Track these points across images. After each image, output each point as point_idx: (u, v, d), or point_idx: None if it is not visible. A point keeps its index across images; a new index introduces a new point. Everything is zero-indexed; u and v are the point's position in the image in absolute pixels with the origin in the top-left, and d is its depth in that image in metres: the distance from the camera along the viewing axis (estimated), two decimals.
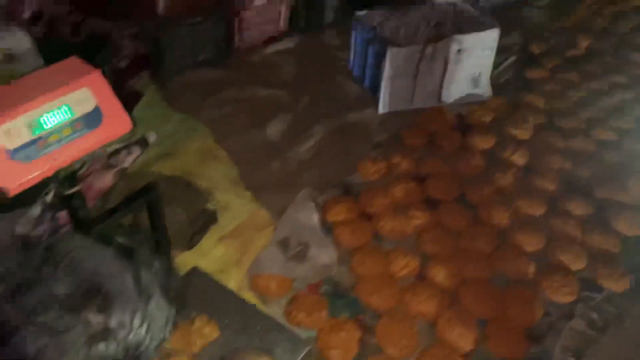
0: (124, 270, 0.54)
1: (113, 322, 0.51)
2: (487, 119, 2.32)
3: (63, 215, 1.55)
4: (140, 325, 0.54)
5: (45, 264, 0.51)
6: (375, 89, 2.35)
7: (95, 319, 0.50)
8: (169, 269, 0.62)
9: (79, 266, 0.52)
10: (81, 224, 1.12)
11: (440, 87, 2.36)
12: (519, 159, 2.11)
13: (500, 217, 1.85)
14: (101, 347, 0.50)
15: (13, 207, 1.36)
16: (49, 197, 1.22)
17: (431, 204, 1.92)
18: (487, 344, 1.48)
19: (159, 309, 0.57)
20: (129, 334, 0.53)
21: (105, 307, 0.51)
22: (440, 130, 2.25)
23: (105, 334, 0.51)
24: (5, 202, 1.43)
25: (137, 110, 2.24)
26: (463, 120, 2.34)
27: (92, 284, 0.51)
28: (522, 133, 2.23)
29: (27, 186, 0.91)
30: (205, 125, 2.23)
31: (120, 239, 0.59)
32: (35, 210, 1.40)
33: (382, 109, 2.32)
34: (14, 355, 0.48)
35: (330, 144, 2.18)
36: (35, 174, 0.91)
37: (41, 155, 0.93)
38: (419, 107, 2.36)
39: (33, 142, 0.92)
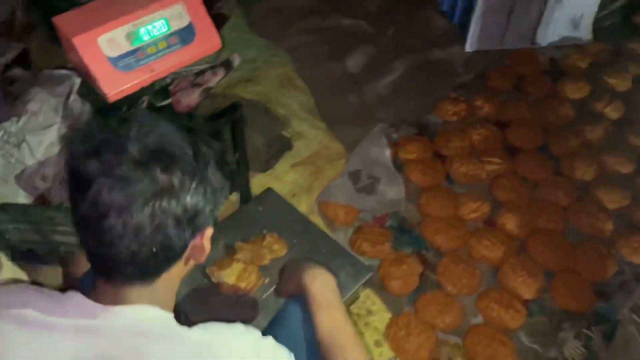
0: (186, 141, 0.61)
1: (175, 181, 0.58)
2: (583, 65, 2.15)
3: None
4: (197, 188, 0.60)
5: (120, 127, 0.59)
6: (464, 25, 2.23)
7: (160, 176, 0.57)
8: (224, 153, 0.69)
9: (148, 132, 0.59)
10: None
11: (536, 27, 2.20)
12: (613, 112, 1.97)
13: (584, 171, 1.76)
14: (164, 202, 0.57)
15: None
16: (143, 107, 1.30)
17: (510, 151, 1.86)
18: (551, 294, 1.46)
19: (215, 177, 0.63)
20: (188, 193, 0.59)
21: (169, 167, 0.58)
22: (529, 74, 2.13)
23: (168, 191, 0.57)
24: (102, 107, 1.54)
25: (222, 33, 2.28)
26: (556, 65, 2.18)
27: (159, 147, 0.58)
28: (620, 84, 2.06)
29: (126, 93, 0.98)
30: (286, 53, 2.25)
31: (184, 121, 0.66)
32: None
33: (469, 47, 2.22)
34: (92, 201, 0.57)
35: (410, 80, 2.13)
36: (135, 82, 0.98)
37: (140, 66, 0.99)
38: (510, 47, 2.23)
39: (132, 52, 0.98)
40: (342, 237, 1.60)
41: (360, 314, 1.43)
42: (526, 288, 1.46)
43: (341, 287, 1.30)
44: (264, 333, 0.74)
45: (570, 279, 1.49)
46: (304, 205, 1.69)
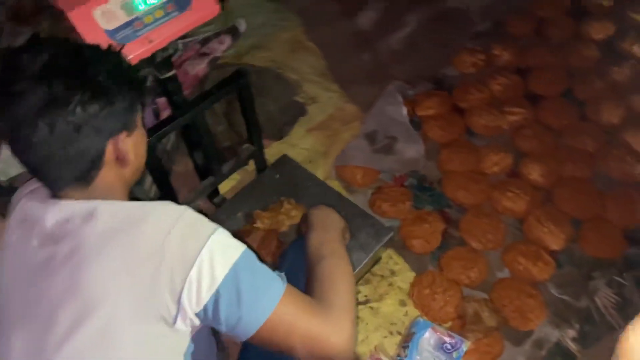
0: (75, 56, 0.66)
1: (60, 92, 0.63)
2: (607, 3, 2.03)
3: (162, 101, 1.65)
4: (88, 97, 0.64)
5: (21, 49, 0.65)
6: None
7: (49, 89, 0.62)
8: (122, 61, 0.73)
9: (42, 50, 0.65)
10: (178, 108, 1.18)
11: None
12: None
13: (611, 115, 1.68)
14: (58, 111, 0.62)
15: None
16: (148, 81, 1.28)
17: (532, 99, 1.78)
18: (579, 243, 1.42)
19: (108, 85, 0.67)
20: (77, 103, 0.63)
21: (56, 80, 0.63)
22: (550, 17, 2.03)
23: (58, 101, 0.63)
24: None
25: (228, 0, 2.24)
26: (579, 4, 2.07)
27: (50, 62, 0.64)
28: None
29: None
30: (296, 15, 2.19)
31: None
32: None
33: None
34: (7, 117, 0.63)
35: (424, 34, 2.05)
36: (135, 54, 0.96)
37: (138, 36, 0.96)
38: None
39: (129, 23, 0.96)
40: (361, 200, 1.58)
41: (384, 274, 1.42)
42: (553, 238, 1.42)
43: (362, 248, 1.30)
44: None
45: (599, 226, 1.44)
46: (321, 171, 1.67)
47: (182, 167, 1.67)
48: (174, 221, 0.65)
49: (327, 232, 0.91)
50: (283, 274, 0.73)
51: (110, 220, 0.66)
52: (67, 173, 0.67)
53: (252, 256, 0.70)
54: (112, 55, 0.71)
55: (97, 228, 0.65)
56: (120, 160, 0.71)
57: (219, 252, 0.65)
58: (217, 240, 0.66)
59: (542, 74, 1.84)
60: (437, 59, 1.97)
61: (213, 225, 0.68)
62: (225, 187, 1.62)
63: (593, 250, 1.40)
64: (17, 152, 0.67)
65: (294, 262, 0.97)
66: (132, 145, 0.72)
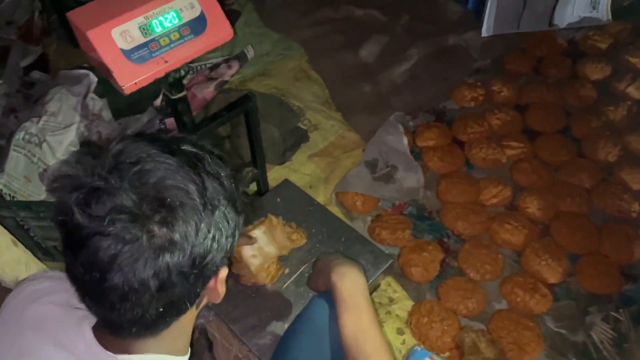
0: (189, 181, 0.53)
1: (177, 235, 0.51)
2: (604, 45, 2.10)
3: (170, 121, 1.67)
4: (206, 237, 0.54)
5: (113, 173, 0.51)
6: (479, 9, 2.20)
7: (159, 231, 0.51)
8: (236, 178, 0.61)
9: (144, 177, 0.52)
10: (185, 128, 1.20)
11: (553, 9, 2.15)
12: (635, 91, 1.91)
13: (607, 153, 1.72)
14: (167, 257, 0.51)
15: (128, 111, 1.47)
16: (158, 101, 1.31)
17: (530, 135, 1.82)
18: (576, 277, 1.43)
19: (225, 219, 0.56)
20: (194, 245, 0.53)
21: (169, 220, 0.51)
22: (548, 57, 2.09)
23: (170, 245, 0.51)
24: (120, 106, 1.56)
25: (235, 29, 2.29)
26: (576, 46, 2.14)
27: (156, 196, 0.51)
28: None
29: (141, 85, 0.98)
30: (300, 46, 2.24)
31: (187, 147, 0.58)
32: (145, 116, 1.52)
33: (485, 32, 2.18)
34: (87, 262, 0.51)
35: (425, 68, 2.10)
36: (149, 74, 0.98)
37: (154, 57, 0.99)
38: (527, 31, 2.19)
39: (146, 44, 0.98)
40: (360, 226, 1.60)
41: (382, 302, 1.42)
42: (551, 272, 1.44)
43: None
44: (290, 329, 0.71)
45: (596, 261, 1.45)
46: (322, 197, 1.69)
47: None
48: None
49: (363, 313, 0.85)
50: None
51: None
52: (142, 329, 0.58)
53: None
54: (225, 171, 0.59)
55: None
56: (210, 298, 0.63)
57: None
58: None
59: (540, 110, 1.89)
60: (437, 92, 2.02)
61: None
62: None
63: (590, 285, 1.41)
64: (87, 301, 0.57)
65: (316, 330, 0.91)
66: (222, 281, 0.63)
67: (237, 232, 0.60)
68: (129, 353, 0.60)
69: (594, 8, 2.18)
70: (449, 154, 1.78)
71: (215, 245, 0.55)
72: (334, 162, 1.80)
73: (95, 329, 0.62)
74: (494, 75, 2.04)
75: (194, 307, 0.62)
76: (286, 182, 1.54)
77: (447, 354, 1.32)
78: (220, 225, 0.56)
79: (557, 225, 1.54)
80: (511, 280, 1.43)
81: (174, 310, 0.57)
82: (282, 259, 1.34)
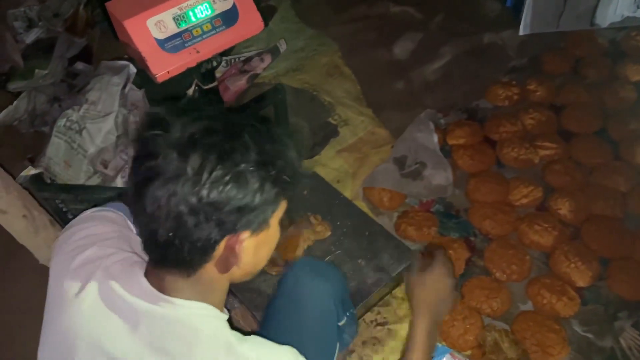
0: (226, 133, 0.61)
1: (190, 169, 0.57)
2: None
3: None
4: (222, 182, 0.58)
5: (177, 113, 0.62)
6: (518, 7, 2.15)
7: (178, 161, 0.58)
8: (286, 158, 0.66)
9: (194, 119, 0.61)
10: None
11: (595, 7, 2.09)
12: None
13: None
14: (178, 186, 0.57)
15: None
16: (191, 90, 1.35)
17: (565, 135, 1.78)
18: (607, 282, 1.40)
19: (259, 183, 0.61)
20: (205, 184, 0.58)
21: (192, 154, 0.58)
22: (587, 57, 2.03)
23: (184, 175, 0.58)
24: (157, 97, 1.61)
25: (271, 24, 2.33)
26: (617, 46, 2.07)
27: (195, 135, 0.59)
28: None
29: (173, 74, 1.02)
30: (334, 42, 2.26)
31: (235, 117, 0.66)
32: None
33: (523, 30, 2.14)
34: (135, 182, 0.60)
35: (459, 66, 2.08)
36: (181, 63, 1.02)
37: (186, 47, 1.03)
38: (567, 30, 2.13)
39: (179, 34, 1.02)
40: (386, 222, 1.60)
41: (405, 297, 1.42)
42: (580, 275, 1.40)
43: (385, 269, 1.31)
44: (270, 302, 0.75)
45: (627, 266, 1.41)
46: (349, 192, 1.70)
47: None
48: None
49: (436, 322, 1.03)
50: None
51: (155, 340, 0.63)
52: (166, 254, 0.63)
53: None
54: (273, 145, 0.63)
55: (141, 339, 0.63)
56: (228, 259, 0.64)
57: None
58: None
59: (577, 111, 1.84)
60: (470, 90, 1.99)
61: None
62: None
63: (620, 290, 1.37)
64: (131, 205, 0.64)
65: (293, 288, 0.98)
66: (253, 247, 0.65)
67: (269, 206, 0.63)
68: (166, 292, 0.65)
69: (638, 7, 2.10)
70: (479, 152, 1.75)
71: (232, 196, 0.58)
72: (363, 158, 1.81)
73: (145, 274, 0.67)
74: (530, 74, 2.00)
75: (214, 260, 0.64)
76: (313, 175, 1.56)
77: (468, 352, 1.30)
78: (250, 187, 0.59)
79: (589, 228, 1.50)
80: (538, 281, 1.40)
81: (187, 242, 0.60)
82: (305, 250, 1.36)
